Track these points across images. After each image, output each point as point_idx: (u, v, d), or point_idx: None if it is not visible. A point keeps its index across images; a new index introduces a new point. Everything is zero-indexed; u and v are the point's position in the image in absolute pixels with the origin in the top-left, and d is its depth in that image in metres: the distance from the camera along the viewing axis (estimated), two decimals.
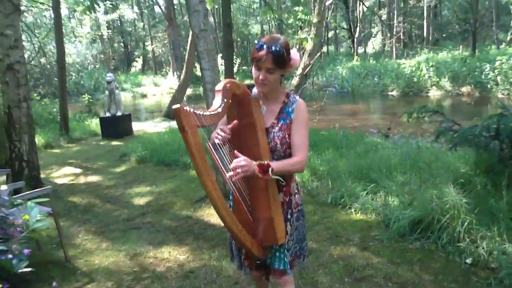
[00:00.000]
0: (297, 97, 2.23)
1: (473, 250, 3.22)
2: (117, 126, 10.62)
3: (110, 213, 5.12)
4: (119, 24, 38.21)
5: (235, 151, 1.98)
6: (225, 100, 1.98)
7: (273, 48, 2.00)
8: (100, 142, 10.34)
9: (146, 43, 38.45)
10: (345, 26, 37.82)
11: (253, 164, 1.92)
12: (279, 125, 2.14)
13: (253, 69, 2.07)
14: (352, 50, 31.50)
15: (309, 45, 11.40)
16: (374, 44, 39.53)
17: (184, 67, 14.45)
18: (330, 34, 43.04)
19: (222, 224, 1.98)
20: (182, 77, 14.96)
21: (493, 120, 3.87)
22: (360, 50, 33.27)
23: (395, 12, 30.16)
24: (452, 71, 16.04)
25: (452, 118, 4.44)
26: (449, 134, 4.10)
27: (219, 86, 2.01)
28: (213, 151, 1.96)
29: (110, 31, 34.58)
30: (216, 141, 1.96)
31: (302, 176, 5.27)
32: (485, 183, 3.91)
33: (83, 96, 15.65)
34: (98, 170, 7.43)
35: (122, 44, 40.10)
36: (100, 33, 30.54)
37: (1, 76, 5.75)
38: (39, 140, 9.20)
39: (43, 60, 18.07)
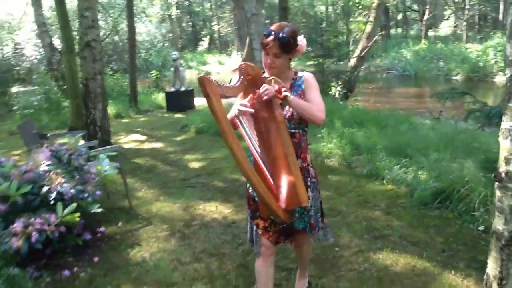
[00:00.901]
0: (304, 72, 2.45)
1: (487, 219, 3.50)
2: (180, 100, 11.40)
3: (169, 174, 5.79)
4: (187, 4, 39.32)
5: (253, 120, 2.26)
6: (242, 77, 2.22)
7: (280, 35, 2.19)
8: (165, 114, 11.17)
9: (213, 23, 39.34)
10: (416, 8, 36.55)
11: (272, 87, 2.17)
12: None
13: (263, 54, 2.29)
14: (421, 33, 30.55)
15: (367, 28, 11.52)
16: (446, 27, 37.94)
17: (246, 47, 15.00)
18: (400, 16, 41.89)
19: None
20: (243, 55, 15.52)
21: None
22: (431, 33, 32.20)
23: None
24: None
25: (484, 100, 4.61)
26: (476, 115, 4.32)
27: (235, 67, 2.29)
28: (240, 122, 2.22)
29: (178, 11, 35.71)
30: (242, 109, 2.20)
31: (344, 150, 5.66)
32: None
33: (151, 72, 16.64)
34: (161, 138, 8.19)
35: (190, 23, 41.26)
36: (169, 13, 31.71)
37: (80, 52, 6.56)
38: (110, 110, 10.11)
39: (116, 38, 19.29)
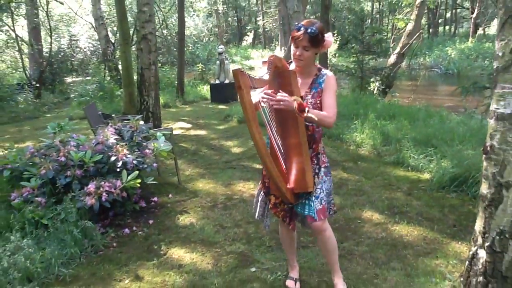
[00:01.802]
0: (327, 71, 2.65)
1: None
2: (224, 92, 12.00)
3: (212, 157, 6.38)
4: None
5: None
6: (269, 70, 2.48)
7: (309, 29, 2.41)
8: (209, 105, 11.83)
9: (258, 18, 39.91)
10: (466, 5, 35.75)
11: (294, 102, 2.29)
12: (311, 93, 2.56)
13: (292, 47, 2.51)
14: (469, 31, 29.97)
15: (408, 26, 11.73)
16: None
17: (289, 42, 15.46)
18: (448, 14, 41.05)
19: None
20: (286, 50, 15.98)
21: None
22: (481, 31, 31.48)
23: None
24: None
25: None
26: None
27: (264, 59, 2.63)
28: (263, 109, 2.48)
29: (225, 6, 36.51)
30: (264, 101, 2.42)
31: (375, 140, 6.07)
32: None
33: (197, 65, 17.40)
34: (205, 126, 8.81)
35: (235, 18, 42.05)
36: (216, 8, 32.52)
37: (137, 44, 7.25)
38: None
39: (165, 31, 20.16)
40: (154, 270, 3.28)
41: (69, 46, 20.68)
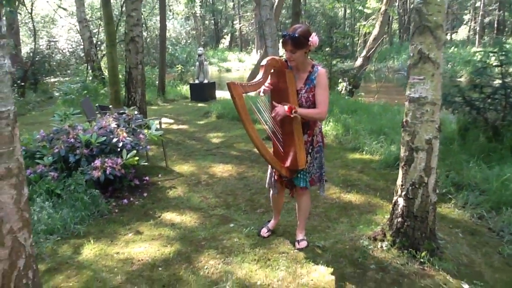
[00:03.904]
0: (320, 67, 3.13)
1: None
2: (203, 91, 12.77)
3: (194, 146, 7.17)
4: (211, 3, 40.83)
5: (274, 103, 3.05)
6: (265, 74, 3.00)
7: (292, 35, 2.96)
8: (189, 104, 12.58)
9: (235, 22, 40.77)
10: None
11: (284, 109, 2.95)
12: (305, 88, 3.10)
13: (285, 51, 3.07)
14: None
15: (374, 31, 12.75)
16: (465, 32, 38.50)
17: (265, 45, 16.34)
18: None
19: None
20: (261, 53, 16.85)
21: None
22: (448, 37, 33.08)
23: None
24: None
25: None
26: None
27: (263, 62, 3.04)
28: (258, 109, 3.12)
29: (202, 9, 37.22)
30: (262, 90, 3.06)
31: (337, 131, 6.97)
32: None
33: (177, 66, 18.13)
34: (187, 121, 9.58)
35: (212, 21, 42.83)
36: (194, 11, 33.22)
37: (126, 45, 7.98)
38: None
39: (145, 34, 20.78)
40: (152, 227, 4.05)
41: (48, 47, 21.05)
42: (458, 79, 18.28)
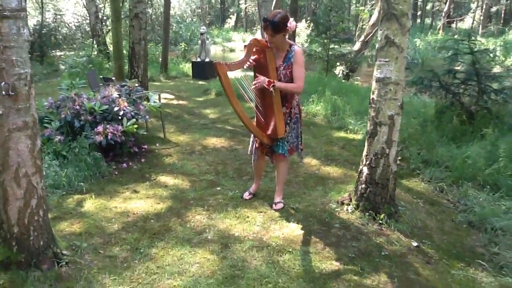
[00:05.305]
0: (295, 47, 3.51)
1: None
2: (204, 70, 13.10)
3: (191, 120, 7.60)
4: None
5: (257, 74, 3.47)
6: (247, 53, 3.43)
7: (272, 20, 3.29)
8: (190, 81, 12.96)
9: (241, 2, 40.75)
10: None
11: (265, 80, 3.37)
12: (284, 65, 3.50)
13: (265, 33, 3.46)
14: (439, 24, 31.54)
15: (373, 16, 12.99)
16: (472, 20, 38.36)
17: (260, 26, 16.61)
18: (429, 6, 42.61)
19: None
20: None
21: None
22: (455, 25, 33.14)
23: None
24: None
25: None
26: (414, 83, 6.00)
27: (246, 43, 3.51)
28: (242, 85, 3.65)
29: None
30: (248, 63, 3.63)
31: (326, 111, 7.38)
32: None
33: (180, 44, 18.43)
34: (186, 98, 10.00)
35: (219, 0, 42.79)
36: None
37: (130, 21, 8.35)
38: None
39: (149, 10, 21.04)
40: (147, 188, 4.51)
41: (54, 20, 21.33)
42: (457, 67, 18.55)
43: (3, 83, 2.49)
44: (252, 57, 3.53)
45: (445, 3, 31.59)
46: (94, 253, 3.18)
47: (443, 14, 30.47)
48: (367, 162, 3.70)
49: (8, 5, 2.44)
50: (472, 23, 34.85)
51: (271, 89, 3.40)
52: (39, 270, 2.81)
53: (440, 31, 28.07)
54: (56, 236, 3.14)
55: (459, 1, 36.56)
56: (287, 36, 3.57)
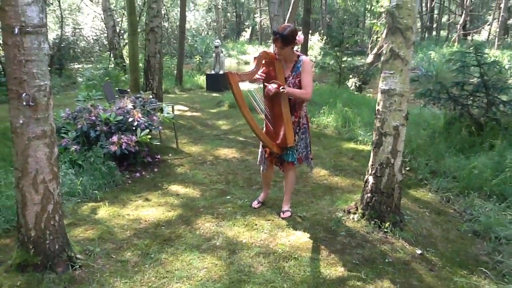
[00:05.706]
0: (303, 56, 3.67)
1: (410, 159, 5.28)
2: (218, 82, 13.30)
3: (205, 131, 7.76)
4: None
5: (266, 84, 3.71)
6: (257, 64, 3.56)
7: (281, 34, 3.45)
8: (204, 93, 13.17)
9: (256, 15, 41.18)
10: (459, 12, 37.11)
11: (273, 85, 3.49)
12: (292, 75, 3.64)
13: (274, 46, 3.62)
14: (454, 37, 31.41)
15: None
16: (488, 33, 38.02)
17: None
18: (444, 18, 42.50)
19: None
20: None
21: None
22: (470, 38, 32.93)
23: None
24: None
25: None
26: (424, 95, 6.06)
27: (256, 55, 3.64)
28: (253, 96, 3.80)
29: (224, 1, 37.72)
30: (257, 76, 3.76)
31: (337, 122, 7.47)
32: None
33: (195, 57, 18.74)
34: (200, 109, 10.18)
35: (234, 14, 43.32)
36: (215, 3, 33.78)
37: (146, 35, 8.58)
38: None
39: (165, 24, 21.45)
40: (159, 196, 4.65)
41: (73, 34, 21.87)
42: (471, 80, 18.46)
43: (24, 94, 2.66)
44: (261, 71, 3.66)
45: (461, 16, 31.58)
46: (106, 257, 3.31)
47: (459, 27, 30.36)
48: (373, 172, 3.78)
49: (31, 21, 2.61)
50: (488, 35, 34.54)
51: (281, 90, 3.50)
52: (54, 272, 2.95)
53: (456, 44, 27.97)
54: (71, 241, 3.28)
55: (475, 14, 36.48)
56: (295, 48, 3.72)
